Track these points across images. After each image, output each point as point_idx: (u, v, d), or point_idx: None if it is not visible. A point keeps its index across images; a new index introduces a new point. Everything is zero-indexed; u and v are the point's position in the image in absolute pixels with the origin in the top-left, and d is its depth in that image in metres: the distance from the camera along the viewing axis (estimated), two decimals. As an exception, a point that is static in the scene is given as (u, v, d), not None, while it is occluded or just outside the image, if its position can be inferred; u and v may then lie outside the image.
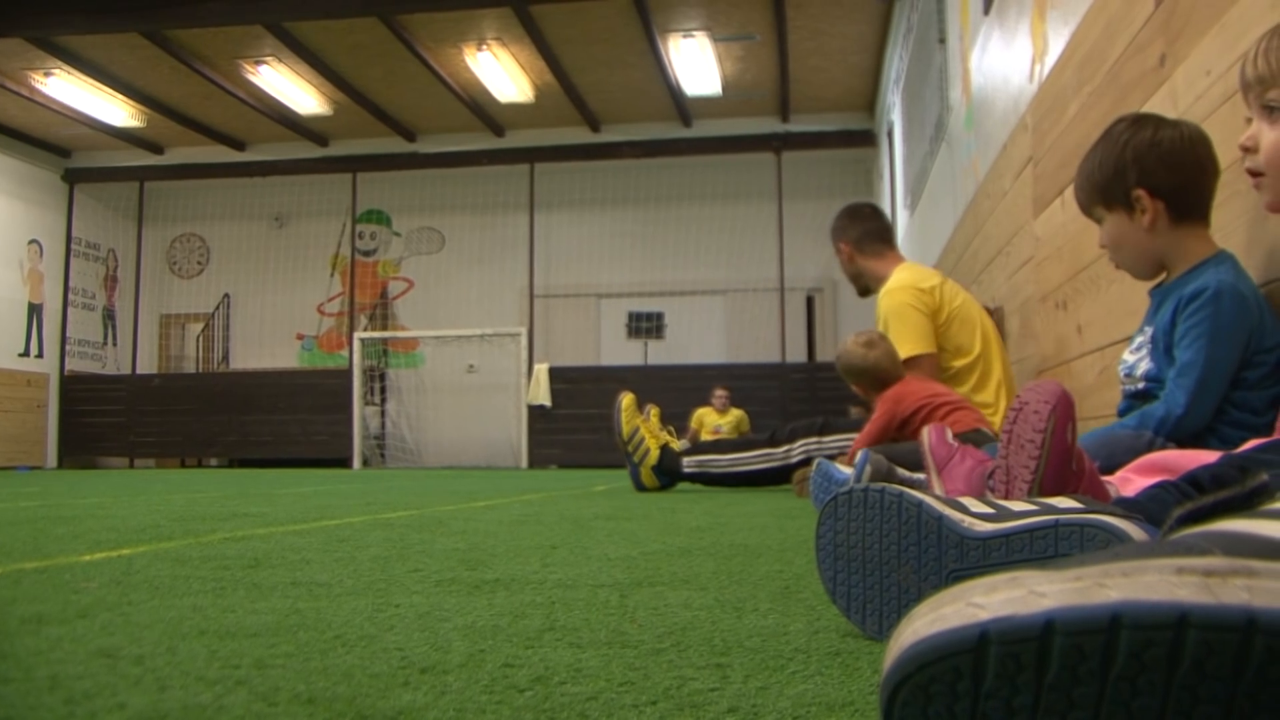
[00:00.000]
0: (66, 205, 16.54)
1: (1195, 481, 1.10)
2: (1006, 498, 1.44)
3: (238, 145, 16.38)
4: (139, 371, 16.76)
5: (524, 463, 14.91)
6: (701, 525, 2.87)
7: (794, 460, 5.00)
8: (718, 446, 5.62)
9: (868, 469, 2.91)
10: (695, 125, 15.50)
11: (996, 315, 4.99)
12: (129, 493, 5.37)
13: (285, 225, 17.21)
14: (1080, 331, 3.69)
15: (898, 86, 11.33)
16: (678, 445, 5.51)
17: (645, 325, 15.41)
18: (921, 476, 2.68)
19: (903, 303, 4.37)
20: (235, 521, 3.07)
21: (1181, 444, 2.16)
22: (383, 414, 16.44)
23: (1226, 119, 2.33)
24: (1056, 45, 4.05)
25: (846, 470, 3.41)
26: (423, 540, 2.42)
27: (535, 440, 14.94)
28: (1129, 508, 1.15)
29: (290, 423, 15.65)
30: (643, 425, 5.38)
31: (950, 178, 7.20)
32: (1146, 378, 2.37)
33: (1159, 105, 2.83)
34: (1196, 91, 2.54)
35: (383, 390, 16.51)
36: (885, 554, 1.15)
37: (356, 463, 15.21)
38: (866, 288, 4.89)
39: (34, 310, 15.89)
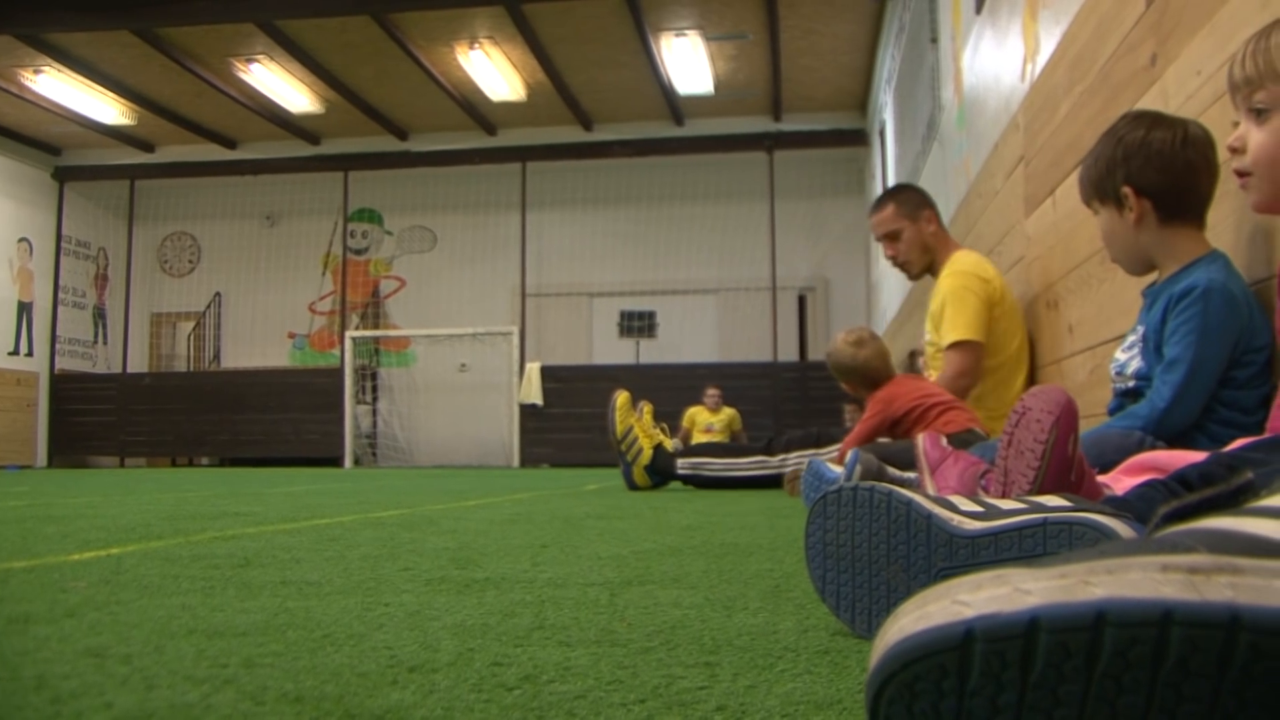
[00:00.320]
0: (57, 203, 16.50)
1: (1184, 480, 1.11)
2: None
3: (229, 144, 16.35)
4: (130, 370, 16.72)
5: (515, 462, 14.90)
6: (692, 524, 2.87)
7: (788, 470, 5.01)
8: (712, 450, 5.63)
9: (858, 468, 2.92)
10: (687, 124, 15.50)
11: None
12: (119, 492, 5.35)
13: (277, 224, 17.18)
14: (1071, 331, 3.69)
15: (890, 86, 11.33)
16: (671, 445, 5.51)
17: (637, 324, 15.41)
18: (913, 475, 2.69)
19: (966, 287, 4.30)
20: (225, 520, 3.07)
21: (1171, 443, 2.16)
22: (374, 413, 16.42)
23: (1217, 119, 2.33)
24: (1048, 45, 4.06)
25: (837, 469, 3.42)
26: (413, 539, 2.42)
27: (527, 439, 14.94)
28: (1118, 506, 1.15)
29: (281, 422, 15.63)
30: (636, 424, 5.38)
31: (942, 177, 7.20)
32: (1137, 376, 2.39)
33: (1150, 105, 2.84)
34: (1187, 91, 2.54)
35: (374, 389, 16.49)
36: (874, 552, 1.15)
37: (348, 462, 15.19)
38: (923, 270, 4.77)
39: (24, 309, 15.85)
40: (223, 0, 11.30)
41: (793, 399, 14.72)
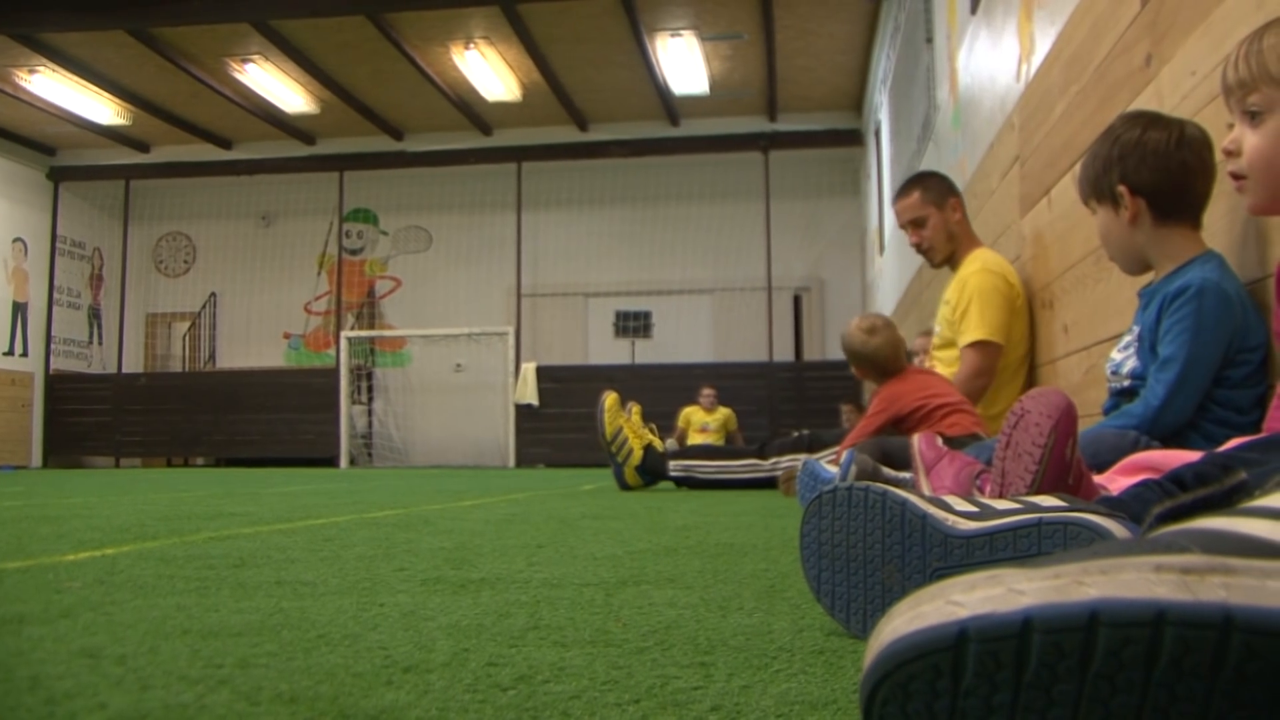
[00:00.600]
0: (51, 203, 16.47)
1: (1178, 480, 1.11)
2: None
3: (224, 144, 16.33)
4: (125, 370, 16.70)
5: (511, 462, 14.90)
6: (688, 524, 2.87)
7: (779, 474, 5.00)
8: (705, 453, 5.63)
9: (853, 468, 2.91)
10: (683, 124, 15.50)
11: None
12: (114, 492, 5.35)
13: (272, 224, 17.17)
14: (1066, 330, 3.70)
15: (885, 86, 11.34)
16: (661, 446, 5.51)
17: (633, 324, 15.41)
18: (908, 475, 2.69)
19: (994, 287, 4.28)
20: (220, 521, 3.07)
21: (1166, 442, 2.17)
22: (370, 413, 16.41)
23: (1211, 119, 2.34)
24: (1043, 45, 4.06)
25: (833, 469, 3.42)
26: (409, 539, 2.42)
27: (523, 439, 14.94)
28: (1113, 506, 1.15)
29: (277, 422, 15.61)
30: (626, 425, 5.38)
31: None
32: (1132, 375, 2.40)
33: (1145, 105, 2.84)
34: (1182, 91, 2.54)
35: (370, 389, 16.48)
36: (869, 552, 1.16)
37: (343, 462, 15.18)
38: (948, 258, 4.73)
39: (18, 309, 15.82)
40: (218, 0, 11.29)
41: (788, 399, 14.73)
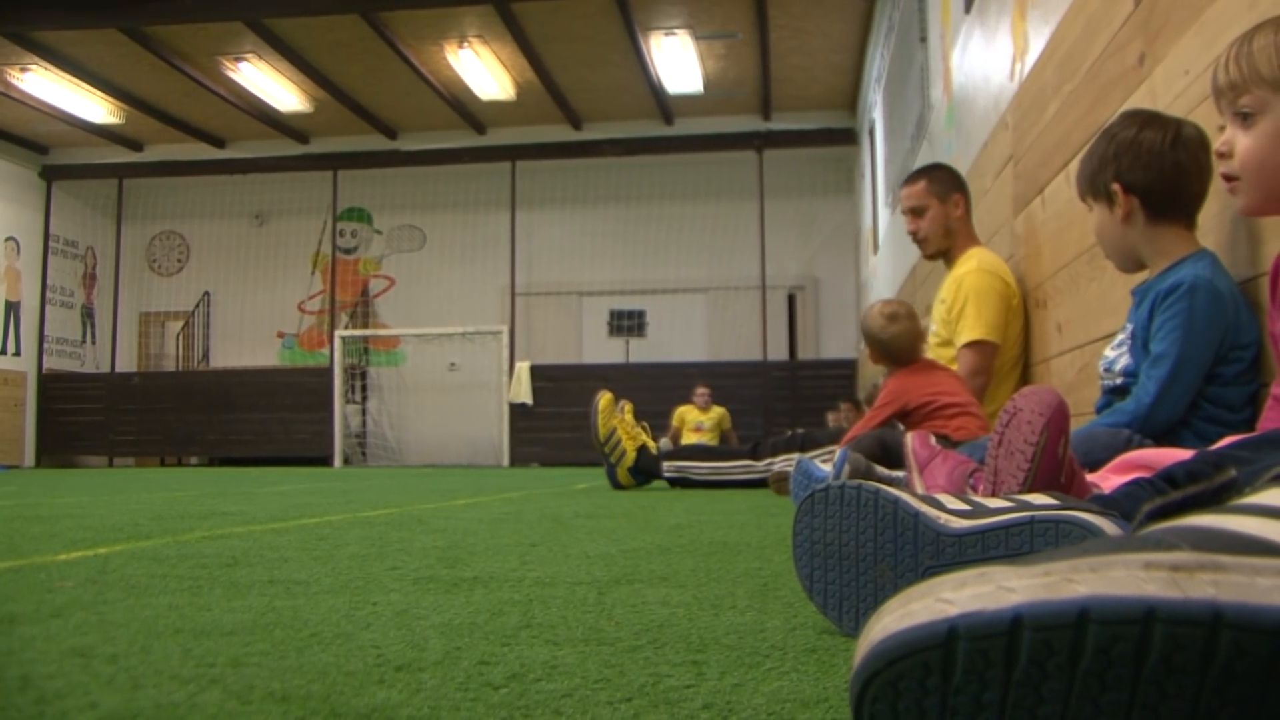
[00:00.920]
0: (44, 202, 16.45)
1: (1170, 478, 1.11)
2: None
3: (218, 142, 16.31)
4: (118, 370, 16.68)
5: (505, 461, 14.89)
6: (681, 523, 2.87)
7: (776, 469, 5.00)
8: (698, 453, 5.63)
9: (846, 467, 2.92)
10: (677, 123, 15.50)
11: None
12: (107, 491, 5.34)
13: (266, 223, 17.15)
14: (1060, 329, 3.70)
15: (879, 85, 11.35)
16: (655, 446, 5.50)
17: (627, 323, 15.41)
18: (902, 474, 2.70)
19: (991, 287, 4.28)
20: (214, 520, 3.06)
21: (1158, 440, 2.17)
22: (364, 412, 16.40)
23: (1205, 119, 2.34)
24: (1037, 44, 4.06)
25: (826, 468, 3.42)
26: (402, 538, 2.42)
27: (517, 438, 14.93)
28: (1105, 504, 1.15)
29: (271, 421, 15.60)
30: (619, 425, 5.38)
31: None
32: (1125, 373, 2.41)
33: (1138, 104, 2.84)
34: (1175, 91, 2.55)
35: (364, 388, 16.47)
36: (861, 551, 1.16)
37: (337, 461, 15.17)
38: (939, 252, 4.73)
39: (11, 308, 15.80)
40: (211, -1, 11.29)
41: (782, 398, 14.73)
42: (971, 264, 4.35)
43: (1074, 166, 3.22)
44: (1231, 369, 2.24)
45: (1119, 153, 2.36)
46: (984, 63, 5.25)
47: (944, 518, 1.14)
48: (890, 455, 3.65)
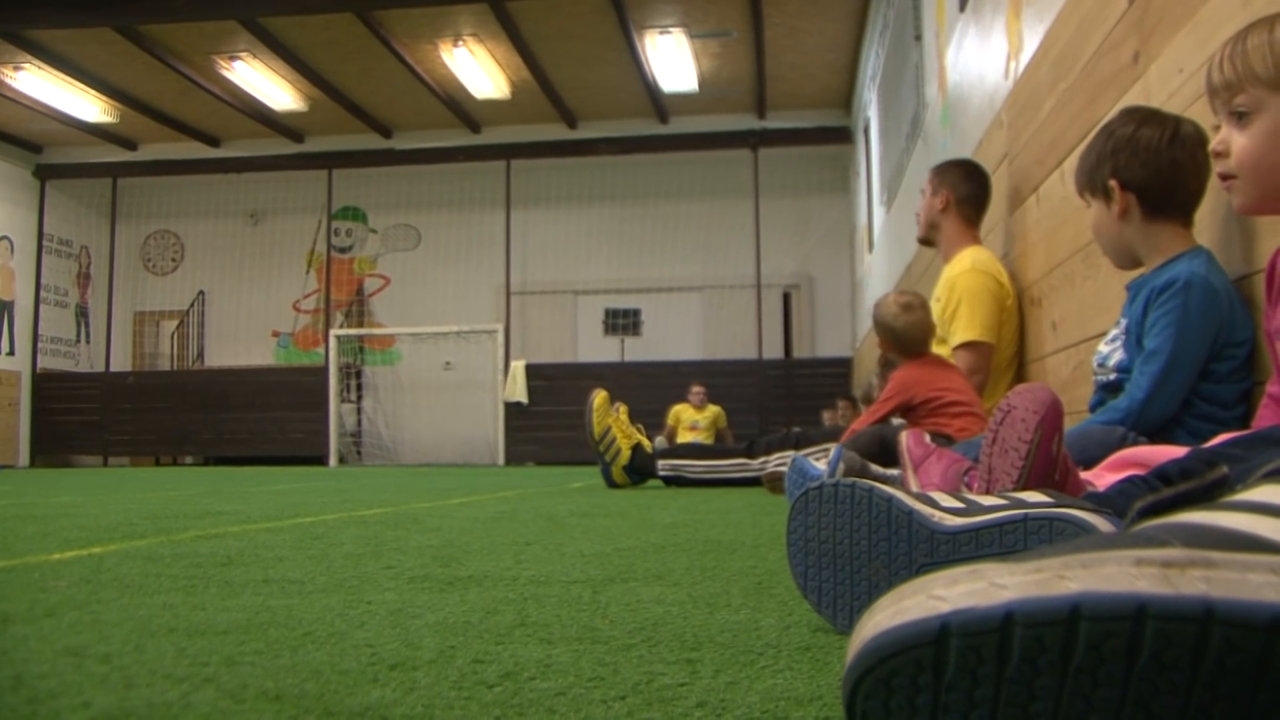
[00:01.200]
0: (38, 201, 16.42)
1: (1164, 475, 1.11)
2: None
3: (212, 141, 16.29)
4: (113, 369, 16.66)
5: (501, 460, 14.89)
6: (676, 521, 2.87)
7: (769, 470, 5.00)
8: (693, 452, 5.63)
9: (841, 465, 2.92)
10: (672, 122, 15.50)
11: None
12: (102, 491, 5.33)
13: (261, 222, 17.13)
14: (1054, 328, 3.71)
15: (874, 83, 11.35)
16: (650, 446, 5.50)
17: (622, 322, 15.41)
18: (896, 472, 2.70)
19: (985, 287, 4.28)
20: (209, 519, 3.06)
21: (1151, 437, 2.18)
22: (359, 411, 16.39)
23: (1199, 117, 2.34)
24: (1031, 42, 4.06)
25: (821, 466, 3.42)
26: (397, 537, 2.41)
27: (512, 437, 14.93)
28: (1098, 502, 1.15)
29: (266, 420, 15.59)
30: (614, 424, 5.38)
31: (925, 174, 7.21)
32: (1119, 369, 2.42)
33: (1133, 103, 2.85)
34: (1170, 89, 2.55)
35: (359, 387, 16.46)
36: (856, 549, 1.16)
37: (332, 460, 15.16)
38: (925, 239, 4.77)
39: (5, 307, 15.77)
40: (205, -3, 11.27)
41: (778, 396, 14.74)
42: (965, 264, 4.36)
43: (1069, 165, 3.23)
44: (1225, 366, 2.24)
45: (1116, 149, 2.37)
46: (979, 61, 5.26)
47: (938, 515, 1.14)
48: (890, 452, 3.64)
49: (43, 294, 16.31)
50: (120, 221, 17.04)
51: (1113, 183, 2.38)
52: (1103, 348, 2.53)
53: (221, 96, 14.13)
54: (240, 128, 15.58)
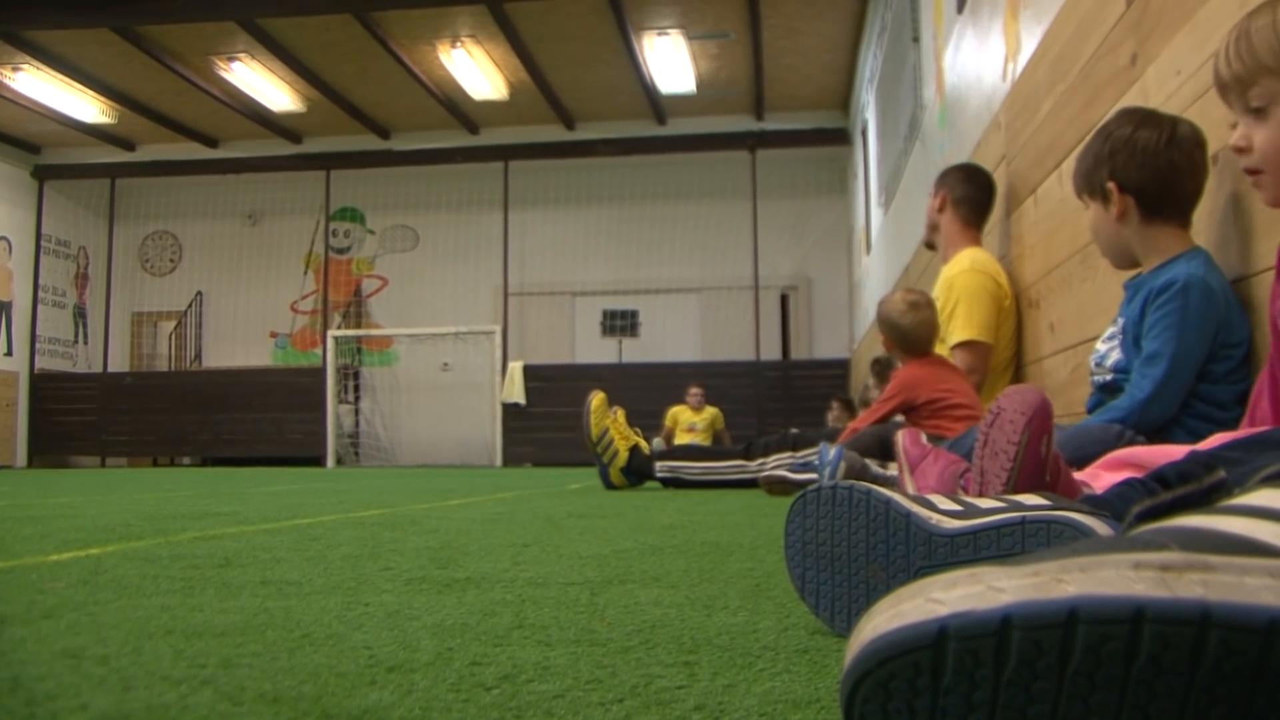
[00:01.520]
0: (36, 202, 16.41)
1: (1162, 478, 1.11)
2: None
3: (210, 142, 16.29)
4: (110, 370, 16.65)
5: (498, 461, 14.89)
6: (674, 523, 2.87)
7: (766, 473, 4.99)
8: (691, 453, 5.62)
9: (841, 465, 2.92)
10: (670, 123, 15.50)
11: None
12: (99, 492, 5.33)
13: (259, 223, 17.13)
14: (1052, 329, 3.71)
15: (872, 85, 11.36)
16: (647, 447, 5.50)
17: (620, 323, 15.41)
18: (894, 472, 2.70)
19: (983, 287, 4.29)
20: (206, 520, 3.06)
21: (1150, 437, 2.18)
22: (357, 412, 16.39)
23: (1197, 118, 2.35)
24: (1029, 44, 4.07)
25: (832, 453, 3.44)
26: (394, 539, 2.41)
27: (509, 438, 14.93)
28: (1096, 505, 1.15)
29: (264, 421, 15.59)
30: (612, 425, 5.37)
31: (924, 176, 7.21)
32: (1115, 369, 2.43)
33: (1131, 105, 2.85)
34: (1167, 91, 2.55)
35: (357, 388, 16.46)
36: (853, 551, 1.16)
37: (330, 461, 15.15)
38: (928, 242, 4.80)
39: (3, 308, 15.76)
40: (204, -2, 11.27)
41: (775, 398, 14.75)
42: (964, 264, 4.36)
43: (1066, 167, 3.23)
44: (1222, 366, 2.25)
45: (1114, 151, 2.38)
46: (976, 63, 5.26)
47: (936, 518, 1.14)
48: (889, 452, 3.65)
49: (41, 294, 16.30)
50: (118, 222, 17.04)
51: (1111, 184, 2.39)
52: (1100, 346, 2.54)
53: (219, 97, 14.13)
54: (238, 128, 15.58)
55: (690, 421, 13.17)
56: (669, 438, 12.83)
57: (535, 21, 12.02)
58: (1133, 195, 2.37)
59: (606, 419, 5.38)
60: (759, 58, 13.07)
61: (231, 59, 12.96)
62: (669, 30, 12.27)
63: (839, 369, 14.60)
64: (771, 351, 15.67)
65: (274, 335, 17.13)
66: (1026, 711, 0.58)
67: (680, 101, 14.70)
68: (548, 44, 12.71)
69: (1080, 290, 3.30)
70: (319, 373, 15.59)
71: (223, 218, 17.12)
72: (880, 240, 10.66)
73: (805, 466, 4.61)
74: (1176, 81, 2.50)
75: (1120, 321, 2.46)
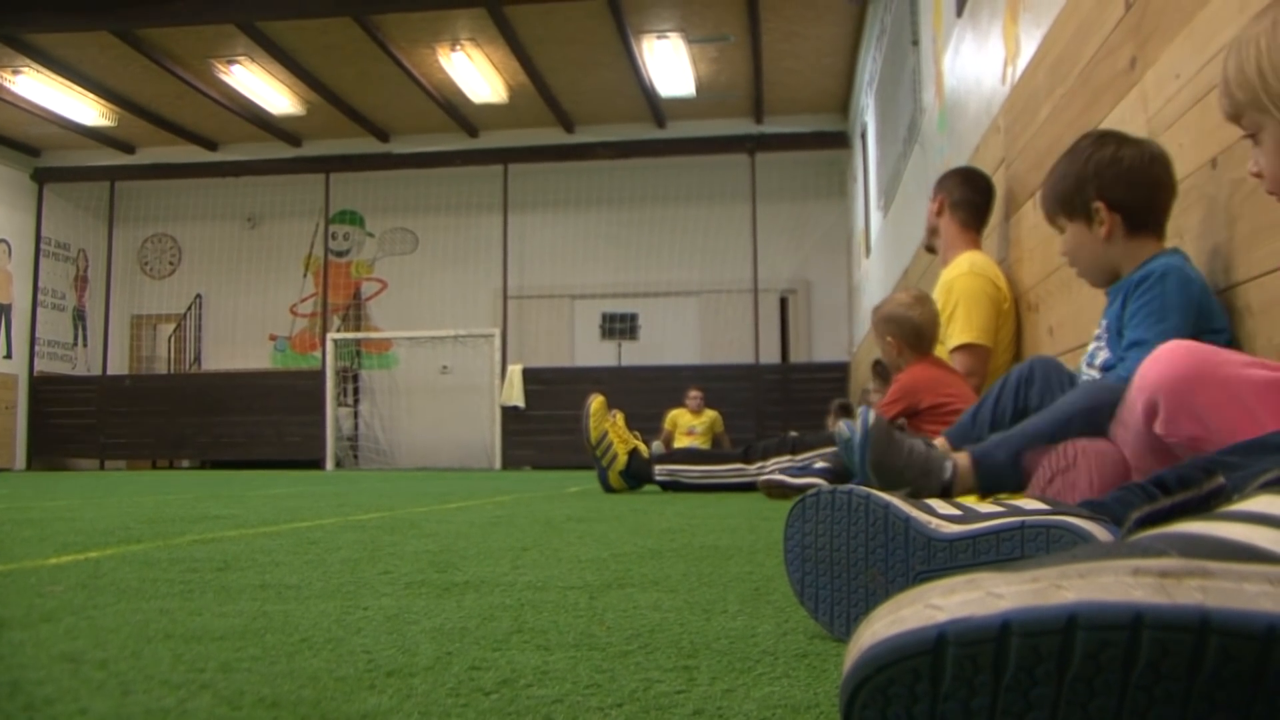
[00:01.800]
0: (36, 205, 16.42)
1: (1161, 483, 1.11)
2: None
3: (210, 145, 16.29)
4: (110, 372, 16.65)
5: (497, 464, 14.88)
6: (673, 527, 2.87)
7: (765, 477, 4.98)
8: (690, 456, 5.62)
9: (872, 415, 2.82)
10: (669, 126, 15.51)
11: None
12: (98, 494, 5.33)
13: (258, 225, 17.13)
14: (1051, 333, 3.71)
15: (871, 88, 11.36)
16: (646, 451, 5.49)
17: (619, 326, 15.40)
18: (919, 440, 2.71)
19: (982, 290, 4.29)
20: (205, 524, 3.06)
21: None
22: (356, 415, 16.38)
23: (1196, 122, 2.35)
24: (1028, 48, 4.07)
25: (820, 467, 3.43)
26: (394, 542, 2.41)
27: (509, 441, 14.92)
28: (1095, 508, 1.16)
29: (263, 424, 15.58)
30: (611, 429, 5.37)
31: (923, 179, 7.22)
32: (1104, 367, 2.49)
33: (1130, 108, 2.85)
34: (1166, 95, 2.56)
35: (356, 391, 16.45)
36: (853, 555, 1.16)
37: (329, 464, 15.15)
38: (928, 245, 4.82)
39: (2, 311, 15.76)
40: (203, 1, 11.25)
41: (774, 401, 14.75)
42: (964, 267, 4.36)
43: (1065, 170, 3.22)
44: None
45: (1099, 171, 2.46)
46: (976, 66, 5.26)
47: (935, 523, 1.14)
48: None
49: (40, 297, 16.30)
50: (118, 225, 17.04)
51: (1099, 204, 2.47)
52: (1090, 346, 2.59)
53: (219, 100, 14.13)
54: (238, 131, 15.58)
55: (689, 425, 13.17)
56: (668, 441, 12.83)
57: (534, 24, 12.03)
58: (1120, 212, 2.45)
59: (606, 422, 5.38)
60: (758, 61, 13.07)
61: (231, 62, 12.97)
62: (668, 33, 12.28)
63: (838, 372, 14.60)
64: (771, 355, 15.67)
65: (273, 338, 17.13)
66: (1025, 717, 0.58)
67: (680, 104, 14.71)
68: (547, 47, 12.72)
69: (1079, 294, 3.30)
70: (318, 375, 15.59)
71: (222, 220, 17.12)
72: (880, 243, 10.66)
73: (804, 470, 4.60)
74: (1176, 85, 2.50)
75: (1104, 323, 2.51)
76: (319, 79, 13.61)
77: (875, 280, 11.07)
